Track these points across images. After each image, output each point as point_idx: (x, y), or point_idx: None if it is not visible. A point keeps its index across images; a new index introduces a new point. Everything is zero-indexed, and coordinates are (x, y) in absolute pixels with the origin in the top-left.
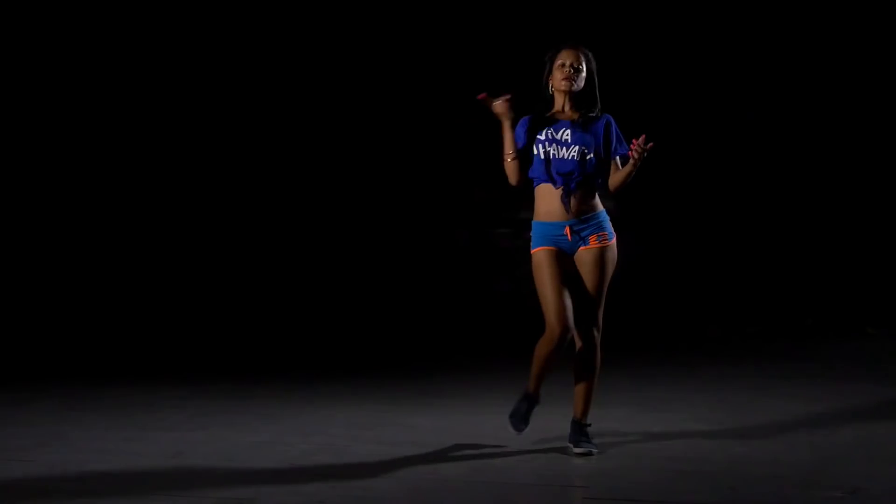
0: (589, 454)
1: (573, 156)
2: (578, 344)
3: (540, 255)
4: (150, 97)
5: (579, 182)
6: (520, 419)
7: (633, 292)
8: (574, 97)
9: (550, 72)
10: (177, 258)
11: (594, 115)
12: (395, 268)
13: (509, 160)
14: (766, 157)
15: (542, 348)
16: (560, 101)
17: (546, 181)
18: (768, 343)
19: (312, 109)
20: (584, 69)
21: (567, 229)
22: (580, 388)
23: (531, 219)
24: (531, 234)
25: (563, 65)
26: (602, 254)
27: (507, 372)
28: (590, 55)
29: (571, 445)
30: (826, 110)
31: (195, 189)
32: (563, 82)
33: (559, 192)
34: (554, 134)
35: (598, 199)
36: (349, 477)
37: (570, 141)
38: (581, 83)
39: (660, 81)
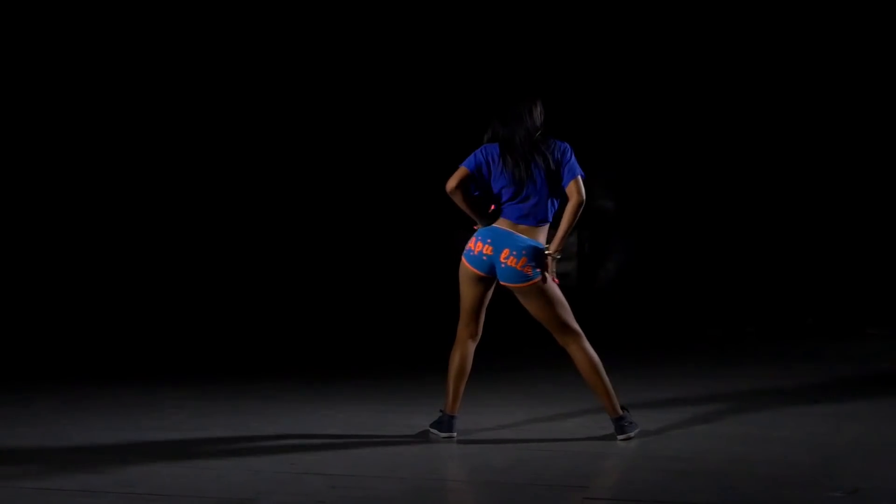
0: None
1: None
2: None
3: None
4: (150, 97)
5: None
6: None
7: (633, 292)
8: None
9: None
10: (176, 258)
11: None
12: (396, 267)
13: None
14: (766, 157)
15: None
16: None
17: None
18: (768, 343)
19: (312, 111)
20: None
21: None
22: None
23: None
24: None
25: None
26: None
27: (506, 372)
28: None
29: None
30: (826, 110)
31: (195, 189)
32: None
33: None
34: None
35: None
36: (349, 477)
37: None
38: None
39: (660, 81)
